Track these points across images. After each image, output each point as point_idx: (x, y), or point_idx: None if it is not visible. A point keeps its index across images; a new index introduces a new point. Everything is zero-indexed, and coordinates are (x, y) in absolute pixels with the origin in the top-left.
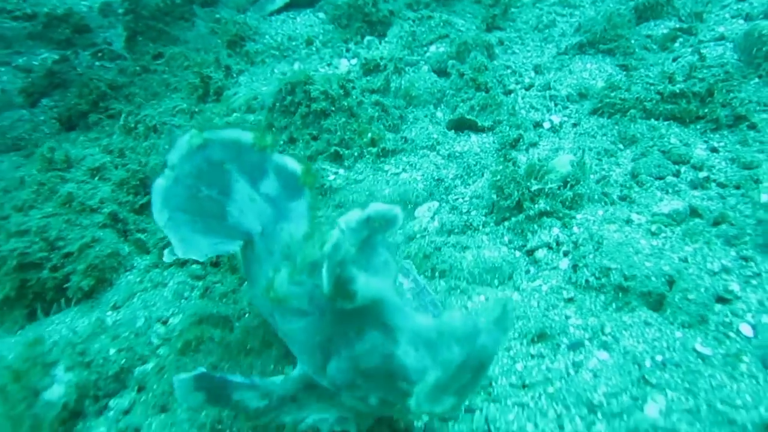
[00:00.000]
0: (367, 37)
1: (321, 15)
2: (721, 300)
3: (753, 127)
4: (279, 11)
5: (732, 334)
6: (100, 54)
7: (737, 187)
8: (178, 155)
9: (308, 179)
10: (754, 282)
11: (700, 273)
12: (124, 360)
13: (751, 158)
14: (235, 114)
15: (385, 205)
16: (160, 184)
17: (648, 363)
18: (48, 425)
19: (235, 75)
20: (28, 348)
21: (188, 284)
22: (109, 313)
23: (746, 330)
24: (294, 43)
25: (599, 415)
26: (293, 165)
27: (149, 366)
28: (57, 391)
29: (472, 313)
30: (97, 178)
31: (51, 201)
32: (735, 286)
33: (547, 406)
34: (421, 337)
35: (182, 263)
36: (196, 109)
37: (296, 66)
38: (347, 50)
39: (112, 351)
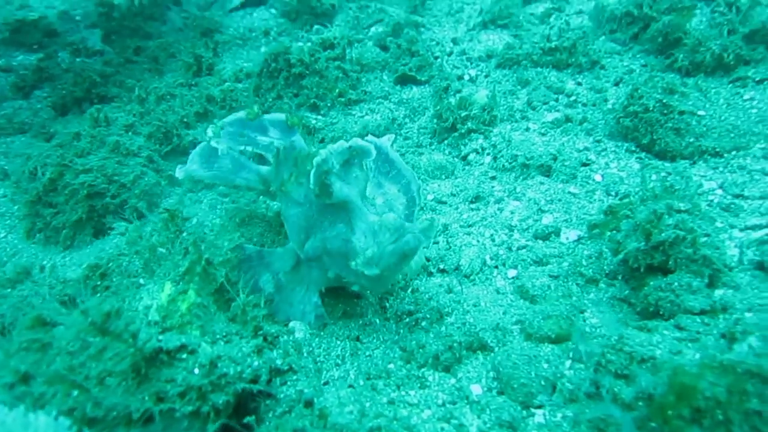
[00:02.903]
0: (315, 26)
1: (273, 11)
2: (584, 165)
3: (603, 67)
4: (237, 9)
5: (590, 181)
6: (78, 51)
7: (594, 105)
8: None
9: (293, 120)
10: (603, 154)
11: (572, 151)
12: None
13: (601, 86)
14: (226, 83)
15: (362, 141)
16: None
17: (543, 202)
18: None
19: (220, 54)
20: None
21: (218, 199)
22: None
23: (598, 178)
24: (254, 34)
25: (515, 231)
26: (280, 116)
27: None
28: None
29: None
30: (131, 132)
31: (103, 148)
32: (592, 156)
33: (483, 230)
34: (370, 229)
35: (211, 187)
36: (193, 82)
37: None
38: (301, 37)
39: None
